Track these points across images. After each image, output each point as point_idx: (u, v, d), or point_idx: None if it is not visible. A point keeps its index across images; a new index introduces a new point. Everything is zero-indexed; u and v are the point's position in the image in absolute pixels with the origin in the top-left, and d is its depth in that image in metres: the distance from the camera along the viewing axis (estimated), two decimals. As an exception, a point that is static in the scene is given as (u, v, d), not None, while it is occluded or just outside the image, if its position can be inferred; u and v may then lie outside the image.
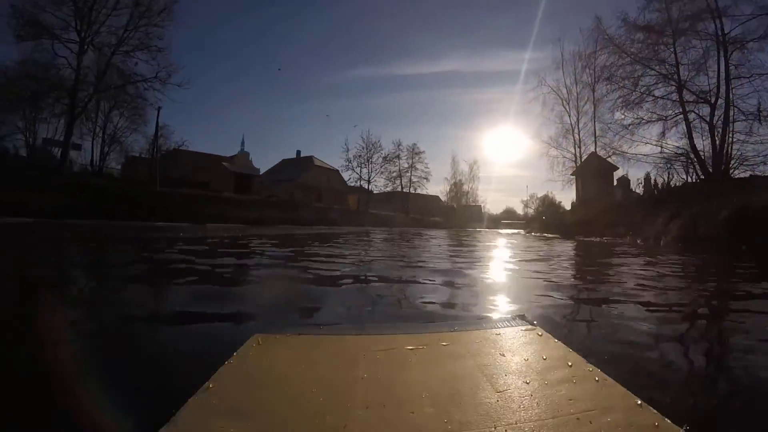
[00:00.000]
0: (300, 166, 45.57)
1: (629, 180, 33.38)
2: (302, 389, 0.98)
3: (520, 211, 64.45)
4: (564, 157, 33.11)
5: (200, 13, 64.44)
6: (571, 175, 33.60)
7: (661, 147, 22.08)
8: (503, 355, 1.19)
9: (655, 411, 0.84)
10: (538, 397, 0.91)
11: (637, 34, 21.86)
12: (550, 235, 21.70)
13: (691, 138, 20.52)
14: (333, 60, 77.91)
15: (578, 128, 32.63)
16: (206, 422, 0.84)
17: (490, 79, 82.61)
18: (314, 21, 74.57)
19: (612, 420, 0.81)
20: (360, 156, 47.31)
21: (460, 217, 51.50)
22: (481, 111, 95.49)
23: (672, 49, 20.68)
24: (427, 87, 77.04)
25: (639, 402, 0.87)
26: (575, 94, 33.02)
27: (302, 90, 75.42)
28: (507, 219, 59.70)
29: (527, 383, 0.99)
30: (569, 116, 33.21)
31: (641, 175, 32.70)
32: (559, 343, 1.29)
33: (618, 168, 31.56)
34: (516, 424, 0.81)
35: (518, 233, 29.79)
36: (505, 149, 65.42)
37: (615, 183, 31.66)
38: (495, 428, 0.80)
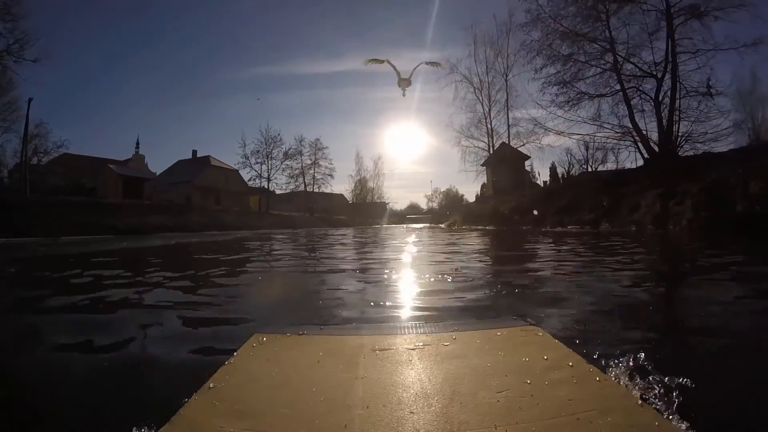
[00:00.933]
0: (196, 166, 41.60)
1: (529, 171, 34.19)
2: (302, 389, 0.99)
3: (423, 205, 64.98)
4: (476, 147, 31.98)
5: (91, 10, 60.44)
6: (482, 165, 32.31)
7: (607, 126, 20.11)
8: (503, 355, 1.19)
9: (655, 411, 0.84)
10: (538, 398, 0.91)
11: (569, 8, 20.02)
12: (489, 228, 18.64)
13: (632, 115, 19.01)
14: (232, 57, 75.02)
15: (490, 118, 31.54)
16: (206, 422, 0.84)
17: (392, 77, 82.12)
18: (212, 16, 70.67)
19: (612, 420, 0.81)
20: (258, 152, 42.12)
21: (365, 215, 49.66)
22: (383, 108, 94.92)
23: (606, 24, 19.16)
24: (329, 85, 76.64)
25: (639, 402, 0.87)
26: (487, 82, 31.70)
27: (201, 88, 72.90)
28: (412, 214, 59.26)
29: (527, 383, 0.99)
30: (482, 105, 31.93)
31: (547, 164, 34.32)
32: (559, 343, 1.29)
33: (529, 157, 31.03)
34: (516, 424, 0.81)
35: (431, 227, 26.88)
36: (408, 146, 65.46)
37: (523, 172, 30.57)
38: (495, 428, 0.80)
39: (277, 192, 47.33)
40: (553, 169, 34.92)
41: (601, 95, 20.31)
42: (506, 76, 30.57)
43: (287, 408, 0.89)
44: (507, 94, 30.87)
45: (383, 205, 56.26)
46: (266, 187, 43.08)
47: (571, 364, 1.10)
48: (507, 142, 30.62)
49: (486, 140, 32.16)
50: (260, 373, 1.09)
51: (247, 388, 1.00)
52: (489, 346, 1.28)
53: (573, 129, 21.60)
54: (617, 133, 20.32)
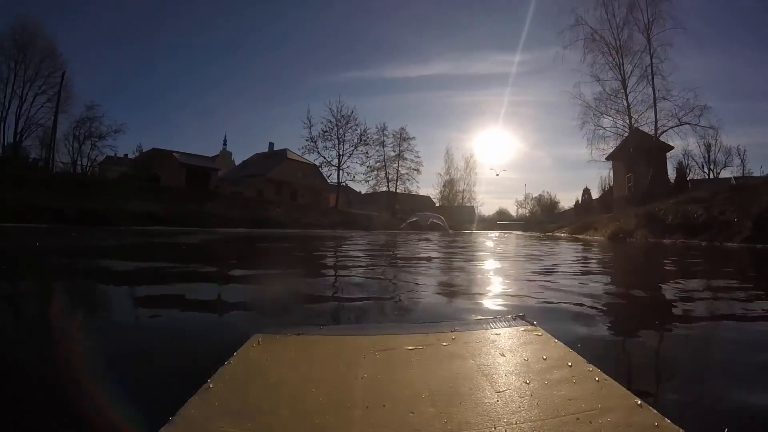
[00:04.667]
0: (272, 160, 37.40)
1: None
2: (302, 389, 0.99)
3: (512, 212, 62.56)
4: (609, 129, 22.71)
5: (187, 11, 64.77)
6: (607, 158, 24.19)
7: None
8: (503, 355, 1.19)
9: (655, 411, 0.84)
10: (538, 398, 0.91)
11: None
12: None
13: None
14: (322, 62, 77.88)
15: (626, 91, 22.37)
16: (206, 422, 0.84)
17: (479, 82, 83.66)
18: (302, 21, 73.83)
19: (612, 420, 0.81)
20: (326, 132, 33.79)
21: (453, 219, 42.84)
22: (471, 113, 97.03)
23: None
24: (416, 89, 77.55)
25: (639, 402, 0.87)
26: (618, 43, 22.22)
27: (291, 91, 74.66)
28: (501, 220, 56.67)
29: (527, 383, 0.99)
30: (619, 70, 22.41)
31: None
32: (559, 343, 1.29)
33: (672, 147, 22.81)
34: (516, 424, 0.81)
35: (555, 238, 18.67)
36: (496, 151, 64.90)
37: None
38: (495, 428, 0.80)
39: (361, 191, 41.41)
40: (681, 170, 26.95)
41: None
42: (649, 30, 21.68)
43: (287, 408, 0.89)
44: (651, 56, 21.73)
45: (471, 208, 50.04)
46: (338, 176, 35.35)
47: (570, 364, 1.10)
48: (654, 123, 21.88)
49: (622, 120, 22.64)
50: (260, 373, 1.09)
51: (247, 388, 1.00)
52: (489, 346, 1.28)
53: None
54: None
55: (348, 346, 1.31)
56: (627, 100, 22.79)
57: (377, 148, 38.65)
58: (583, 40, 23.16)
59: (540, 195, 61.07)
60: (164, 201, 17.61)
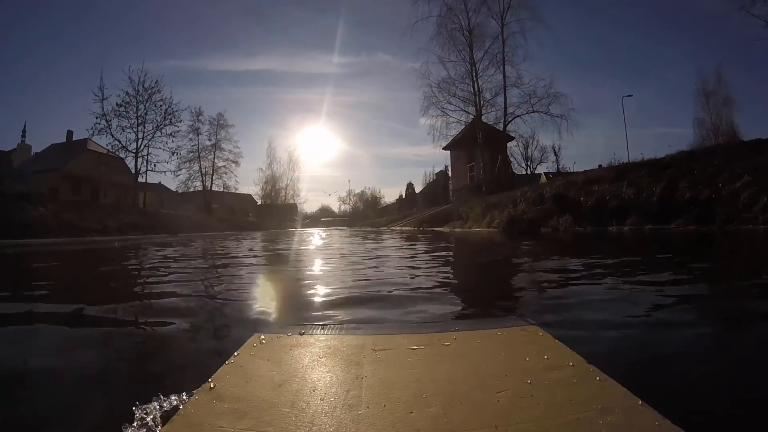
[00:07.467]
0: (69, 151, 29.96)
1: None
2: (302, 389, 0.99)
3: (335, 208, 62.35)
4: (451, 115, 21.82)
5: None
6: (445, 148, 23.62)
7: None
8: (503, 355, 1.19)
9: (656, 411, 0.83)
10: (538, 398, 0.91)
11: None
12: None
13: None
14: (139, 47, 65.19)
15: (476, 74, 21.60)
16: (206, 422, 0.84)
17: (305, 80, 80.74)
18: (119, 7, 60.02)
19: (612, 420, 0.81)
20: (124, 106, 25.53)
21: (276, 217, 41.48)
22: (296, 111, 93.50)
23: None
24: (242, 84, 73.63)
25: (640, 402, 0.87)
26: (467, 26, 21.64)
27: (105, 80, 63.38)
28: (324, 217, 56.53)
29: (528, 383, 0.98)
30: (471, 53, 21.79)
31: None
32: (560, 343, 1.29)
33: (513, 138, 22.73)
34: (516, 424, 0.81)
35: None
36: (319, 149, 67.06)
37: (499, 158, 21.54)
38: (495, 428, 0.80)
39: (178, 190, 34.80)
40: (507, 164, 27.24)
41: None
42: (503, 17, 21.45)
43: (287, 408, 0.89)
44: (503, 42, 21.51)
45: (294, 206, 47.56)
46: (135, 165, 27.29)
47: (571, 364, 1.09)
48: (503, 110, 21.42)
49: (467, 106, 21.72)
50: (260, 373, 1.09)
51: (247, 388, 1.00)
52: (489, 346, 1.28)
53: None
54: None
55: (348, 346, 1.31)
56: (476, 85, 21.92)
57: (191, 136, 32.89)
58: (436, 16, 22.40)
59: (362, 191, 61.46)
60: None
